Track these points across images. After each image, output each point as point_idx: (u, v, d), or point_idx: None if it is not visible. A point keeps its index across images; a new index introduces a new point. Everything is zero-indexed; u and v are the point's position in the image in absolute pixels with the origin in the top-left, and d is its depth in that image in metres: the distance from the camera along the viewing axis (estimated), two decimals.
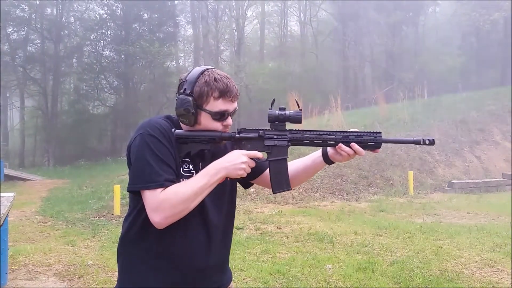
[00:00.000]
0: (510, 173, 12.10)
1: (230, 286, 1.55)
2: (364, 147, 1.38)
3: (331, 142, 1.38)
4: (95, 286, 4.08)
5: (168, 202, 1.25)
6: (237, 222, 6.74)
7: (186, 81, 1.37)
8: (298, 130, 1.40)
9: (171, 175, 1.30)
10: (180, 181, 1.33)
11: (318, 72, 27.64)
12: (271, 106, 1.39)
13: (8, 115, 30.50)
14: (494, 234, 5.93)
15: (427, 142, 1.36)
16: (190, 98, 1.34)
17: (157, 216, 1.26)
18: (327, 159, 1.45)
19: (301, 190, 9.93)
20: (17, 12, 23.09)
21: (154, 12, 25.61)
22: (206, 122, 1.37)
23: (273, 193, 1.45)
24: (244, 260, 4.77)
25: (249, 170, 1.34)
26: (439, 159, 12.90)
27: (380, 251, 5.14)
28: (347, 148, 1.36)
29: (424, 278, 4.11)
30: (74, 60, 27.21)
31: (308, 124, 13.49)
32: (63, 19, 25.70)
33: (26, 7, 23.33)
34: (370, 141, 1.37)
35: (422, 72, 25.11)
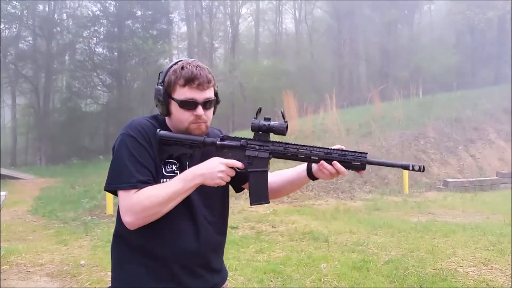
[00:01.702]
0: (504, 171, 12.17)
1: (225, 286, 1.53)
2: (347, 167, 1.33)
3: (314, 158, 1.34)
4: (88, 286, 4.03)
5: (140, 204, 1.25)
6: (231, 221, 6.71)
7: (161, 72, 1.38)
8: (282, 142, 1.36)
9: (146, 177, 1.29)
10: (160, 182, 1.33)
11: (313, 70, 27.63)
12: (257, 115, 1.36)
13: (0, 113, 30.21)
14: (489, 233, 5.94)
15: (416, 168, 1.28)
16: (161, 87, 1.34)
17: (128, 217, 1.27)
18: (311, 175, 1.41)
19: None
20: (9, 8, 22.82)
21: (148, 9, 25.44)
22: (176, 111, 1.36)
23: (251, 205, 1.41)
24: (239, 259, 4.73)
25: (227, 179, 1.32)
26: (434, 158, 12.94)
27: (375, 250, 5.13)
28: (329, 166, 1.32)
29: (419, 276, 4.10)
30: (67, 58, 26.97)
31: (303, 122, 13.48)
32: (55, 15, 25.46)
33: (17, 3, 23.08)
34: (354, 161, 1.32)
35: (417, 71, 25.18)
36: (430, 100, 17.31)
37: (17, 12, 23.63)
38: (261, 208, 8.27)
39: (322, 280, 4.06)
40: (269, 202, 1.40)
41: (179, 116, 1.35)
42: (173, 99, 1.34)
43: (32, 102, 25.79)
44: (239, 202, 8.71)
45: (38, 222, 7.40)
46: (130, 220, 1.27)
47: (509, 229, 6.05)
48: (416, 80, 20.43)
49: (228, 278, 1.56)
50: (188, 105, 1.34)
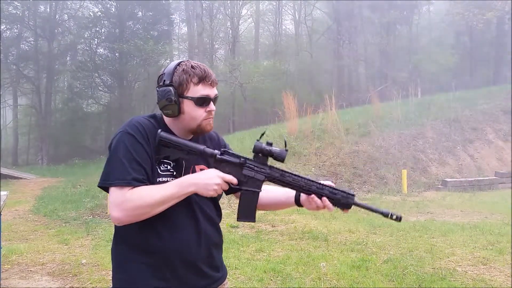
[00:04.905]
0: (502, 171, 12.20)
1: (224, 284, 1.55)
2: (334, 204, 1.42)
3: (306, 190, 1.42)
4: (89, 285, 4.06)
5: (133, 202, 1.28)
6: (231, 221, 6.74)
7: (164, 74, 1.40)
8: (279, 169, 1.43)
9: (141, 175, 1.32)
10: (156, 180, 1.35)
11: (312, 70, 27.63)
12: (260, 137, 1.41)
13: (1, 113, 30.16)
14: (487, 232, 5.99)
15: (394, 217, 1.40)
16: (171, 88, 1.37)
17: (117, 212, 1.29)
18: (298, 202, 1.49)
19: None
20: (10, 9, 22.84)
21: (149, 10, 25.48)
22: (190, 109, 1.40)
23: (237, 220, 1.48)
24: (239, 258, 4.76)
25: (220, 192, 1.38)
26: (432, 158, 12.96)
27: (374, 249, 5.17)
28: (318, 201, 1.41)
29: (418, 276, 4.14)
30: (68, 58, 27.00)
31: (303, 123, 13.49)
32: (57, 16, 25.48)
33: (19, 4, 23.10)
34: (342, 201, 1.41)
35: (416, 71, 25.20)
36: (429, 101, 17.31)
37: (18, 12, 23.61)
38: None
39: (322, 279, 4.10)
40: (254, 221, 1.47)
41: (194, 114, 1.40)
42: (186, 97, 1.38)
43: (34, 102, 25.77)
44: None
45: (40, 221, 7.42)
46: (119, 216, 1.29)
47: (507, 229, 6.10)
48: (414, 81, 20.42)
49: (228, 277, 1.59)
50: (204, 101, 1.40)
